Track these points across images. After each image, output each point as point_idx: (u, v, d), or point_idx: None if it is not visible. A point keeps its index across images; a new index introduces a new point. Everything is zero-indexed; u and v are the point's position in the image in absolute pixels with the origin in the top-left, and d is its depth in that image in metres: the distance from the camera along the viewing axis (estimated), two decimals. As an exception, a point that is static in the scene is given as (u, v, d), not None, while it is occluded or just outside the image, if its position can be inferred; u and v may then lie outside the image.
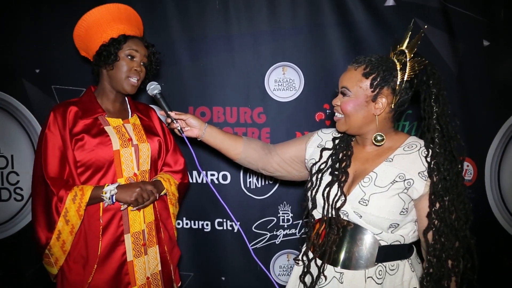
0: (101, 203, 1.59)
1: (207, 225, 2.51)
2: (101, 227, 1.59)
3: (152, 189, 1.63)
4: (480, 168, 2.43)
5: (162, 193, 1.74)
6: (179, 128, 1.57)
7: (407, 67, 1.28)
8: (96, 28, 1.64)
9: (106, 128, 1.65)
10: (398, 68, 1.29)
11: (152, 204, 1.73)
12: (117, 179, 1.63)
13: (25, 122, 2.52)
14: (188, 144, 1.57)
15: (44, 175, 1.54)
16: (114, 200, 1.56)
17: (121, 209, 1.62)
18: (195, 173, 2.47)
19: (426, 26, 1.37)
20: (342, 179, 1.37)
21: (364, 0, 2.28)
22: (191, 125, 1.59)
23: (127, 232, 1.64)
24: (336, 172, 1.39)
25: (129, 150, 1.67)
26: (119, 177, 1.64)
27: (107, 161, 1.61)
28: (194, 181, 2.48)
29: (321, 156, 1.48)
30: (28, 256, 2.55)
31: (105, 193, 1.54)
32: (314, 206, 1.42)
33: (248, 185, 2.47)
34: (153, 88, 1.60)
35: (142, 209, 1.68)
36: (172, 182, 1.79)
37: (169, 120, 1.58)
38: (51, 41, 2.37)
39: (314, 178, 1.45)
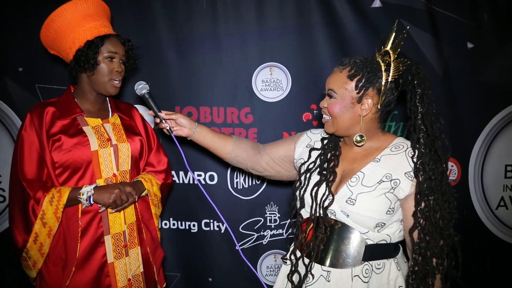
0: (80, 205, 1.56)
1: (194, 225, 2.50)
2: (79, 229, 1.56)
3: (131, 191, 1.60)
4: (464, 168, 2.47)
5: (143, 194, 1.72)
6: (168, 128, 1.56)
7: (391, 67, 1.29)
8: (66, 28, 1.58)
9: (84, 128, 1.62)
10: (383, 69, 1.30)
11: (133, 205, 1.71)
12: (95, 180, 1.60)
13: (7, 122, 2.48)
14: (177, 144, 1.56)
15: (20, 178, 1.52)
16: (91, 202, 1.54)
17: (100, 211, 1.59)
18: (181, 173, 2.45)
19: (408, 27, 1.38)
20: (330, 179, 1.38)
21: (351, 1, 2.29)
22: (181, 125, 1.58)
23: (107, 234, 1.62)
24: (324, 172, 1.41)
25: (108, 150, 1.64)
26: (98, 178, 1.61)
27: (85, 162, 1.58)
28: (181, 181, 2.46)
29: (309, 156, 1.49)
30: (11, 259, 2.50)
31: (82, 194, 1.52)
32: (302, 205, 1.43)
33: (235, 186, 2.46)
34: (142, 88, 1.57)
35: (122, 211, 1.66)
36: (154, 182, 1.77)
37: (157, 120, 1.57)
38: (34, 39, 2.32)
39: (302, 178, 1.46)
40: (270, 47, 2.36)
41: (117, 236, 1.65)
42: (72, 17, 1.57)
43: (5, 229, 2.52)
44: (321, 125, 2.34)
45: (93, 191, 1.53)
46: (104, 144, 1.63)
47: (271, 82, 2.38)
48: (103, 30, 1.62)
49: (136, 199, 1.66)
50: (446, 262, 1.28)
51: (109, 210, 1.61)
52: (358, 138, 1.34)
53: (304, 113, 2.40)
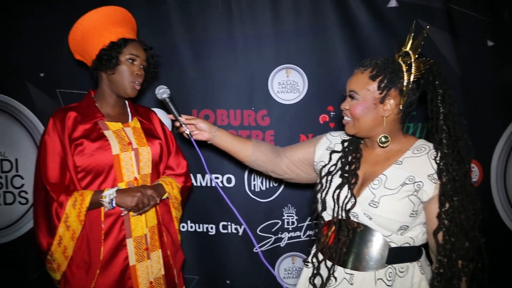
0: (102, 208, 1.58)
1: (211, 228, 2.50)
2: (102, 232, 1.58)
3: (153, 193, 1.62)
4: (486, 170, 2.42)
5: (164, 197, 1.73)
6: (187, 132, 1.58)
7: (413, 67, 1.29)
8: (93, 32, 1.63)
9: (105, 132, 1.64)
10: (404, 69, 1.30)
11: (154, 208, 1.72)
12: (117, 184, 1.62)
13: (29, 126, 2.53)
14: (197, 148, 1.57)
15: (43, 181, 1.54)
16: (114, 205, 1.55)
17: (122, 214, 1.61)
18: (199, 176, 2.46)
19: (428, 27, 1.38)
20: (352, 181, 1.38)
21: (367, 2, 2.28)
22: (201, 129, 1.60)
23: (129, 237, 1.64)
24: (346, 174, 1.40)
25: (129, 154, 1.66)
26: (120, 182, 1.63)
27: (107, 166, 1.60)
28: (199, 184, 2.48)
29: (330, 159, 1.49)
30: (32, 260, 2.56)
31: (104, 197, 1.54)
32: (324, 208, 1.42)
33: (252, 188, 2.46)
34: (163, 92, 1.60)
35: (144, 214, 1.67)
36: (174, 185, 1.78)
37: (177, 124, 1.59)
38: (55, 45, 2.38)
39: (324, 180, 1.46)
40: (286, 49, 2.36)
41: (138, 239, 1.66)
42: (99, 21, 1.63)
43: (27, 230, 2.57)
44: (338, 127, 2.35)
45: (115, 194, 1.55)
46: (125, 148, 1.65)
47: (288, 84, 2.38)
48: (128, 35, 1.68)
49: (158, 202, 1.68)
50: (472, 264, 1.26)
51: (131, 213, 1.63)
52: (383, 139, 1.33)
53: (321, 115, 2.39)
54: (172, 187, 1.76)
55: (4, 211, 2.59)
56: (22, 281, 2.59)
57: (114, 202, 1.55)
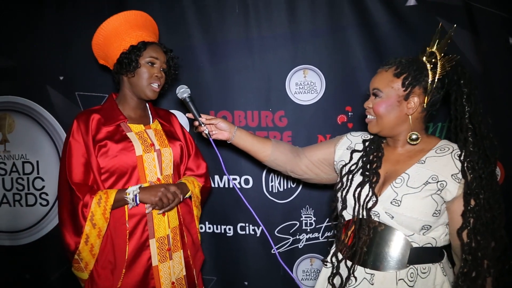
0: (126, 207, 1.60)
1: (229, 229, 2.51)
2: (127, 231, 1.60)
3: (176, 190, 1.64)
4: (508, 170, 2.37)
5: (187, 195, 1.75)
6: (206, 132, 1.58)
7: (438, 66, 1.28)
8: (114, 36, 1.67)
9: (128, 134, 1.67)
10: (429, 68, 1.30)
11: (176, 209, 1.74)
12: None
13: (50, 129, 2.57)
14: (215, 148, 1.58)
15: (69, 181, 1.57)
16: (138, 201, 1.57)
17: (146, 211, 1.63)
18: (217, 177, 2.47)
19: (455, 26, 1.36)
20: (374, 180, 1.37)
21: (385, 1, 2.26)
22: (221, 129, 1.61)
23: (152, 237, 1.66)
24: (367, 173, 1.40)
25: (152, 155, 1.68)
26: (143, 182, 1.65)
27: (131, 167, 1.63)
28: (216, 185, 2.48)
29: (351, 158, 1.49)
30: (54, 260, 2.60)
31: (128, 194, 1.56)
32: (345, 207, 1.42)
33: (270, 189, 2.46)
34: (183, 91, 1.62)
35: (166, 214, 1.69)
36: (196, 184, 1.81)
37: (196, 123, 1.60)
38: (74, 48, 2.42)
39: (344, 179, 1.45)
40: (303, 50, 2.35)
41: (161, 239, 1.68)
42: (120, 25, 1.67)
43: (49, 231, 2.61)
44: (356, 127, 2.33)
45: (138, 190, 1.57)
46: (148, 149, 1.68)
47: (305, 85, 2.37)
48: (148, 38, 1.71)
49: (182, 199, 1.69)
50: (499, 265, 1.24)
51: (155, 212, 1.64)
52: (414, 136, 1.32)
53: (339, 115, 2.37)
54: (194, 186, 1.79)
55: (26, 212, 2.63)
56: (44, 281, 2.64)
57: (137, 198, 1.57)
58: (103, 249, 1.60)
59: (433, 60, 1.29)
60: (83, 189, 1.56)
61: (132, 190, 1.56)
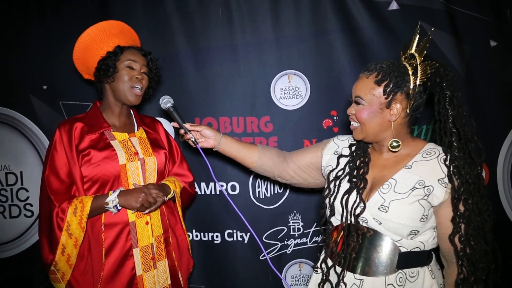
0: (103, 216, 1.59)
1: (217, 236, 2.49)
2: (102, 234, 1.59)
3: (157, 193, 1.62)
4: (492, 171, 2.39)
5: (170, 196, 1.73)
6: (193, 139, 1.57)
7: (419, 70, 1.27)
8: (92, 46, 1.68)
9: (112, 142, 1.65)
10: (410, 73, 1.29)
11: (159, 218, 1.73)
12: None
13: (33, 139, 2.54)
14: (203, 155, 1.57)
15: (47, 191, 1.55)
16: (119, 208, 1.56)
17: (132, 212, 1.62)
18: (203, 184, 2.46)
19: (432, 29, 1.37)
20: (361, 186, 1.37)
21: (368, 5, 2.28)
22: (206, 136, 1.60)
23: (136, 246, 1.64)
24: (354, 179, 1.39)
25: (135, 164, 1.67)
26: None
27: (113, 175, 1.62)
28: (203, 192, 2.46)
29: (338, 163, 1.48)
30: (39, 272, 2.55)
31: (108, 204, 1.55)
32: (332, 213, 1.42)
33: (257, 195, 2.45)
34: (166, 101, 1.61)
35: (150, 223, 1.67)
36: (177, 184, 1.80)
37: (182, 132, 1.59)
38: (58, 57, 2.39)
39: (331, 185, 1.44)
40: (288, 55, 2.36)
41: (145, 248, 1.66)
42: (97, 35, 1.68)
43: (34, 243, 2.56)
44: (341, 131, 2.34)
45: (117, 199, 1.56)
46: (131, 158, 1.67)
47: (290, 90, 2.38)
48: (124, 44, 1.73)
49: (165, 200, 1.68)
50: (491, 267, 1.26)
51: (139, 221, 1.63)
52: (394, 144, 1.32)
53: (324, 120, 2.38)
54: (175, 186, 1.77)
55: (10, 224, 2.58)
56: (29, 294, 2.59)
57: (118, 206, 1.56)
58: (82, 256, 1.58)
59: (414, 64, 1.29)
60: (61, 198, 1.54)
61: (111, 200, 1.55)
